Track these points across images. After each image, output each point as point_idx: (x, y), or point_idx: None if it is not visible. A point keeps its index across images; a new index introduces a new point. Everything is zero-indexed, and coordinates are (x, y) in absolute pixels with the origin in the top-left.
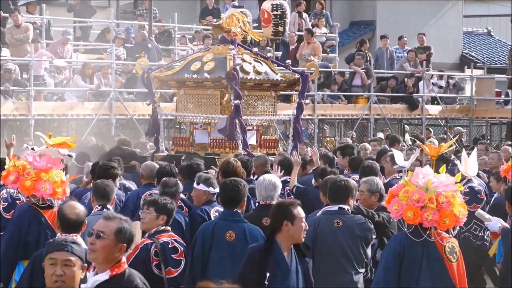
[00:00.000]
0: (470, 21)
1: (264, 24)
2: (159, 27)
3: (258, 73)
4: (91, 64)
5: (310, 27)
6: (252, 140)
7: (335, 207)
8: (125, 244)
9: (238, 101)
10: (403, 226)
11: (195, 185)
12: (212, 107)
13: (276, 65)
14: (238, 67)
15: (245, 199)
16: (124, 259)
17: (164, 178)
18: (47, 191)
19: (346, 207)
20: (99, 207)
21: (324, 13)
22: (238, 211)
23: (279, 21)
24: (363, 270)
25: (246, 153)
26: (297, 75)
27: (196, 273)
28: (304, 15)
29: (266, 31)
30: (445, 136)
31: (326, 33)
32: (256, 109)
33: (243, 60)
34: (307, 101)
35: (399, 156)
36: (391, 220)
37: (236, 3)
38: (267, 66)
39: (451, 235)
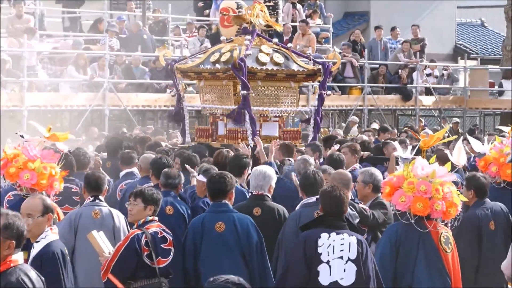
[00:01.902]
0: (464, 12)
1: None
2: (154, 17)
3: (276, 63)
4: (84, 55)
5: (304, 17)
6: (272, 131)
7: (313, 199)
8: (13, 241)
9: (245, 92)
10: (411, 218)
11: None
12: (227, 98)
13: (297, 55)
14: (245, 57)
15: (233, 191)
16: (14, 257)
17: (166, 169)
18: (29, 181)
19: None
20: (91, 198)
21: (318, 4)
22: (227, 202)
23: (272, 12)
24: None
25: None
26: (318, 66)
27: (189, 269)
28: (298, 5)
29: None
30: (439, 128)
31: (320, 24)
32: (275, 100)
33: (261, 51)
34: (329, 92)
35: (399, 149)
36: (387, 218)
37: None
38: (289, 57)
39: (447, 227)
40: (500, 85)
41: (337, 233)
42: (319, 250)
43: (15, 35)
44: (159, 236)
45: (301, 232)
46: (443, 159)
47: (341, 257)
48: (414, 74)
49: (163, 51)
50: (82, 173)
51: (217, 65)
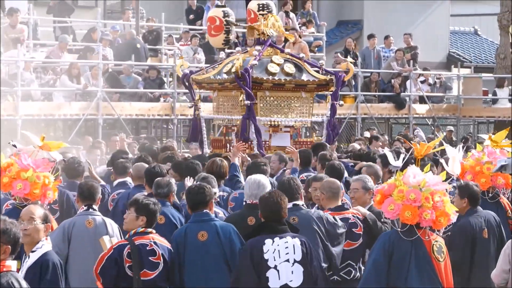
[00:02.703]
0: (457, 20)
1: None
2: (148, 26)
3: (287, 74)
4: (77, 64)
5: (298, 26)
6: (283, 142)
7: (290, 205)
8: (9, 246)
9: (248, 102)
10: (397, 226)
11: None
12: (235, 108)
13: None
14: (251, 68)
15: (213, 201)
16: (8, 262)
17: (157, 179)
18: (22, 191)
19: (300, 202)
20: (85, 208)
21: (311, 13)
22: (208, 211)
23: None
24: (325, 265)
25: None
26: (330, 76)
27: (175, 280)
28: (291, 14)
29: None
30: (433, 136)
31: (313, 33)
32: (285, 110)
33: (272, 61)
34: (341, 102)
35: (391, 157)
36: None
37: (219, 2)
38: (302, 67)
39: (439, 236)
40: (494, 93)
41: (280, 237)
42: (265, 256)
43: (7, 45)
44: (147, 248)
45: (248, 240)
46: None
47: (287, 260)
48: (408, 83)
49: (180, 62)
50: (75, 182)
51: (225, 76)
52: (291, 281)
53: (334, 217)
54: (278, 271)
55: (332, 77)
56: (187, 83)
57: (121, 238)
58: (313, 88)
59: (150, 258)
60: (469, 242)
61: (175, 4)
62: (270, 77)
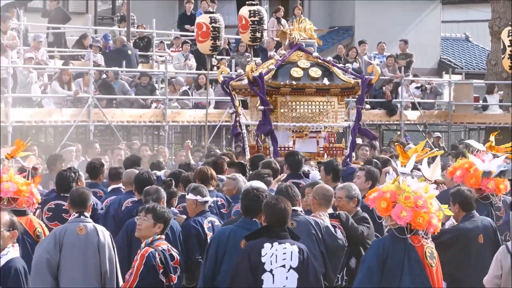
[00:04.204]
0: (448, 27)
1: (241, 30)
2: (139, 32)
3: (312, 78)
4: (68, 71)
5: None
6: (309, 148)
7: None
8: None
9: (262, 107)
10: (407, 232)
11: (186, 195)
12: (257, 113)
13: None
14: (266, 73)
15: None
16: None
17: (146, 188)
18: (10, 189)
19: (298, 208)
20: (76, 215)
21: (303, 19)
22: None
23: (257, 27)
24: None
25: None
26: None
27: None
28: (283, 20)
29: (244, 37)
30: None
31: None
32: (309, 116)
33: (297, 66)
34: (367, 106)
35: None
36: (369, 233)
37: (212, 9)
38: (332, 71)
39: (430, 241)
40: (485, 100)
41: (280, 243)
42: (263, 259)
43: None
44: (167, 253)
45: (246, 242)
46: None
47: (284, 266)
48: (399, 89)
49: (221, 68)
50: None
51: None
52: (284, 286)
53: (335, 230)
54: (273, 275)
55: (358, 81)
56: (227, 90)
57: (112, 245)
58: (338, 92)
59: (171, 262)
60: (465, 247)
61: (167, 10)
62: (288, 81)
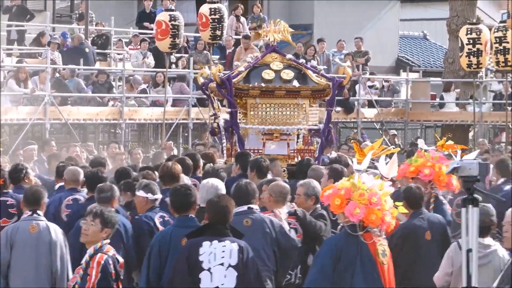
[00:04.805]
0: (406, 25)
1: (202, 28)
2: (97, 30)
3: (284, 80)
4: (25, 68)
5: (248, 31)
6: (279, 150)
7: (244, 207)
8: None
9: (230, 109)
10: (359, 229)
11: (136, 191)
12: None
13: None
14: (235, 75)
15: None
16: None
17: (99, 185)
18: None
19: (254, 206)
20: (29, 213)
21: (262, 17)
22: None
23: (217, 25)
24: (276, 269)
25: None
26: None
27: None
28: (242, 18)
29: (203, 35)
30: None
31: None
32: (280, 118)
33: (270, 68)
34: (338, 108)
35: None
36: (325, 231)
37: (172, 6)
38: (305, 73)
39: (383, 238)
40: (442, 98)
41: (219, 241)
42: (200, 258)
43: None
44: (115, 258)
45: (188, 240)
46: None
47: (222, 264)
48: (357, 87)
49: (201, 71)
50: (21, 186)
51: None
52: (222, 284)
53: (290, 230)
54: (211, 273)
55: (329, 83)
56: (206, 92)
57: (64, 244)
58: (308, 94)
59: (118, 267)
60: (413, 244)
61: (126, 8)
62: (257, 83)
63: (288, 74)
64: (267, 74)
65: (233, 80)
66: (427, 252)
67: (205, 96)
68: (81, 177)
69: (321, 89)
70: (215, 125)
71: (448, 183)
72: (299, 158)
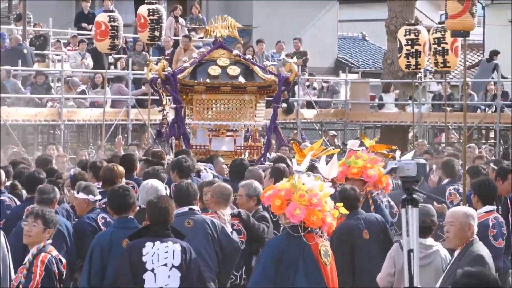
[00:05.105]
0: (345, 26)
1: (140, 29)
2: (35, 31)
3: (231, 76)
4: None
5: (187, 31)
6: (227, 146)
7: (185, 209)
8: None
9: (174, 105)
10: (301, 230)
11: (75, 194)
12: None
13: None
14: (181, 71)
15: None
16: None
17: (41, 186)
18: None
19: (196, 207)
20: None
21: (201, 18)
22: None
23: (156, 26)
24: (218, 270)
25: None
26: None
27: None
28: (181, 19)
29: (142, 36)
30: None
31: (202, 38)
32: (226, 114)
33: (216, 64)
34: (284, 105)
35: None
36: (268, 233)
37: (109, 5)
38: (252, 69)
39: (325, 239)
40: (381, 98)
41: (162, 242)
42: (144, 258)
43: None
44: (57, 258)
45: (129, 241)
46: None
47: (165, 264)
48: (296, 88)
49: (150, 66)
50: None
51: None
52: (166, 285)
53: (232, 232)
54: (155, 274)
55: (275, 79)
56: (156, 88)
57: (6, 246)
58: (254, 90)
59: (61, 267)
60: (349, 244)
61: (64, 9)
62: (202, 79)
63: (234, 70)
64: (213, 70)
65: (178, 76)
66: (366, 252)
67: (144, 97)
68: (3, 177)
69: (267, 85)
70: (164, 121)
71: (387, 184)
72: (247, 155)
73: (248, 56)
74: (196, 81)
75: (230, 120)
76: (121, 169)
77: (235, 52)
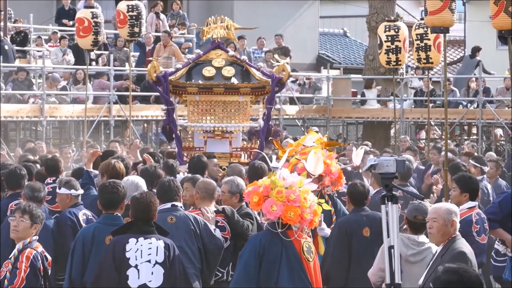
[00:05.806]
0: (326, 22)
1: (119, 25)
2: (16, 27)
3: (225, 77)
4: None
5: (168, 28)
6: (221, 148)
7: (168, 205)
8: None
9: (166, 107)
10: (278, 227)
11: (57, 189)
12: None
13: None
14: (174, 72)
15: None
16: None
17: (31, 183)
18: None
19: (178, 204)
20: None
21: (181, 14)
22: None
23: (135, 22)
24: (201, 266)
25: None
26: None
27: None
28: (162, 15)
29: (122, 32)
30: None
31: (184, 34)
32: (220, 115)
33: (211, 65)
34: (277, 106)
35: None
36: (251, 229)
37: (93, 3)
38: (248, 70)
39: (308, 236)
40: (363, 94)
41: (145, 238)
42: (127, 255)
43: None
44: (43, 254)
45: (113, 237)
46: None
47: (149, 261)
48: None
49: (153, 63)
50: None
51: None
52: (150, 281)
53: (215, 229)
54: (138, 270)
55: (269, 80)
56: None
57: None
58: (248, 91)
59: (46, 264)
60: (346, 239)
61: (45, 5)
62: (194, 81)
63: (229, 71)
64: (208, 71)
65: (170, 77)
66: (364, 249)
67: (126, 93)
68: None
69: (261, 86)
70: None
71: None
72: (245, 156)
73: (244, 57)
74: (188, 82)
75: (224, 122)
76: (122, 166)
77: (231, 53)
